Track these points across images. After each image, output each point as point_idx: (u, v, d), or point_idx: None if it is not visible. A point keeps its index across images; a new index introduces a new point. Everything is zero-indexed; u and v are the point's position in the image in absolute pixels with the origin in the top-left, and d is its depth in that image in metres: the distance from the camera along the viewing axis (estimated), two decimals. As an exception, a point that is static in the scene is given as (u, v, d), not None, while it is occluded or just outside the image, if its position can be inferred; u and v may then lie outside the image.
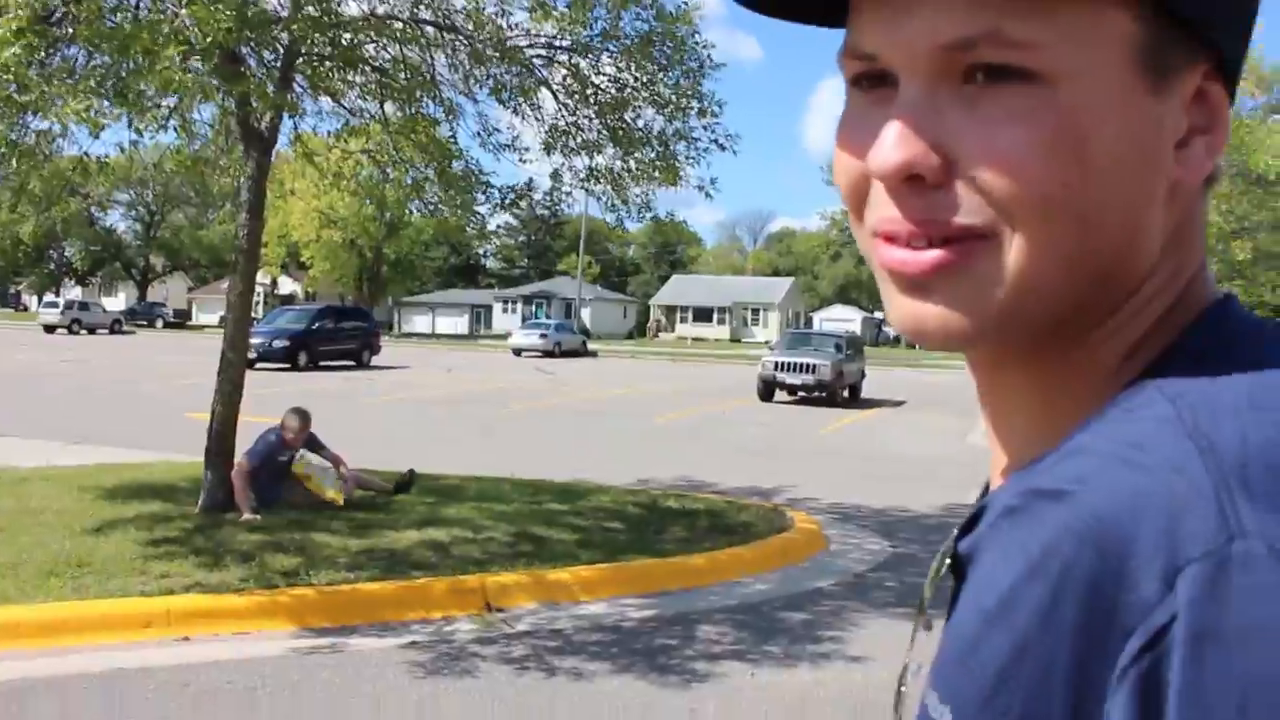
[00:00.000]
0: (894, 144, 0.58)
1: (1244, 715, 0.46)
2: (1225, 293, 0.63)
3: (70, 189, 9.22)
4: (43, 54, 4.91)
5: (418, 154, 7.74)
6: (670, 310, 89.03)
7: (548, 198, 8.54)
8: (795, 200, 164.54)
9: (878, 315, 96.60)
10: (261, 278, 77.29)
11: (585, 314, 72.22)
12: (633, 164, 8.26)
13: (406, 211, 7.49)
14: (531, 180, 8.53)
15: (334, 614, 6.29)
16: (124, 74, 5.35)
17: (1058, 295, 0.59)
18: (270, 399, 21.83)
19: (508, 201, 8.27)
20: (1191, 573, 0.48)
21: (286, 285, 78.53)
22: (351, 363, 34.93)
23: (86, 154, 7.95)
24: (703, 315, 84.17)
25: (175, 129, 7.12)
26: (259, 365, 32.18)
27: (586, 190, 8.76)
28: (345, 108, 8.84)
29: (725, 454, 15.69)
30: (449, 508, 9.03)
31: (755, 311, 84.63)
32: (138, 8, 6.20)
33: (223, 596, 6.26)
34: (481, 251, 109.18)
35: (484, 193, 8.05)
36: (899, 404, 28.53)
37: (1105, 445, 0.55)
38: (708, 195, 8.80)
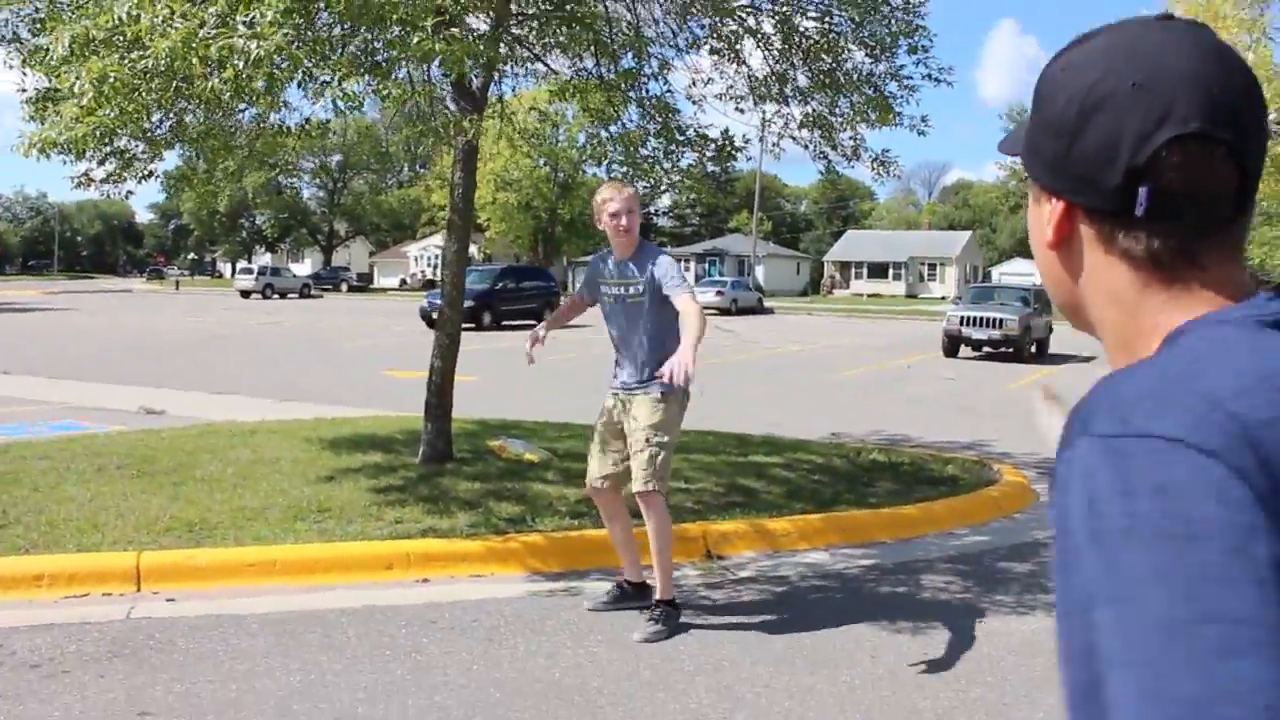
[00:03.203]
0: None
1: (1083, 511, 0.82)
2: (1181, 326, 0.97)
3: (261, 160, 9.56)
4: (306, 33, 5.08)
5: (635, 110, 7.81)
6: (844, 266, 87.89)
7: (756, 148, 8.44)
8: (970, 151, 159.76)
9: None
10: (439, 241, 79.52)
11: (758, 271, 71.88)
12: (847, 106, 8.15)
13: (629, 170, 7.37)
14: (747, 134, 8.41)
15: (564, 558, 6.47)
16: (379, 46, 5.54)
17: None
18: (460, 357, 22.54)
19: (725, 153, 8.24)
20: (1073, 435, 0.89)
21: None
22: (533, 321, 35.59)
23: (307, 120, 8.24)
24: (877, 271, 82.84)
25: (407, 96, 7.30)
26: (445, 325, 33.18)
27: (794, 139, 8.68)
28: (550, 67, 8.95)
29: (914, 408, 15.47)
30: (657, 459, 9.15)
31: (931, 266, 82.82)
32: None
33: (456, 541, 6.50)
34: (653, 209, 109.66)
35: (699, 147, 8.05)
36: (1088, 359, 27.54)
37: (1123, 387, 0.92)
38: (920, 133, 8.63)
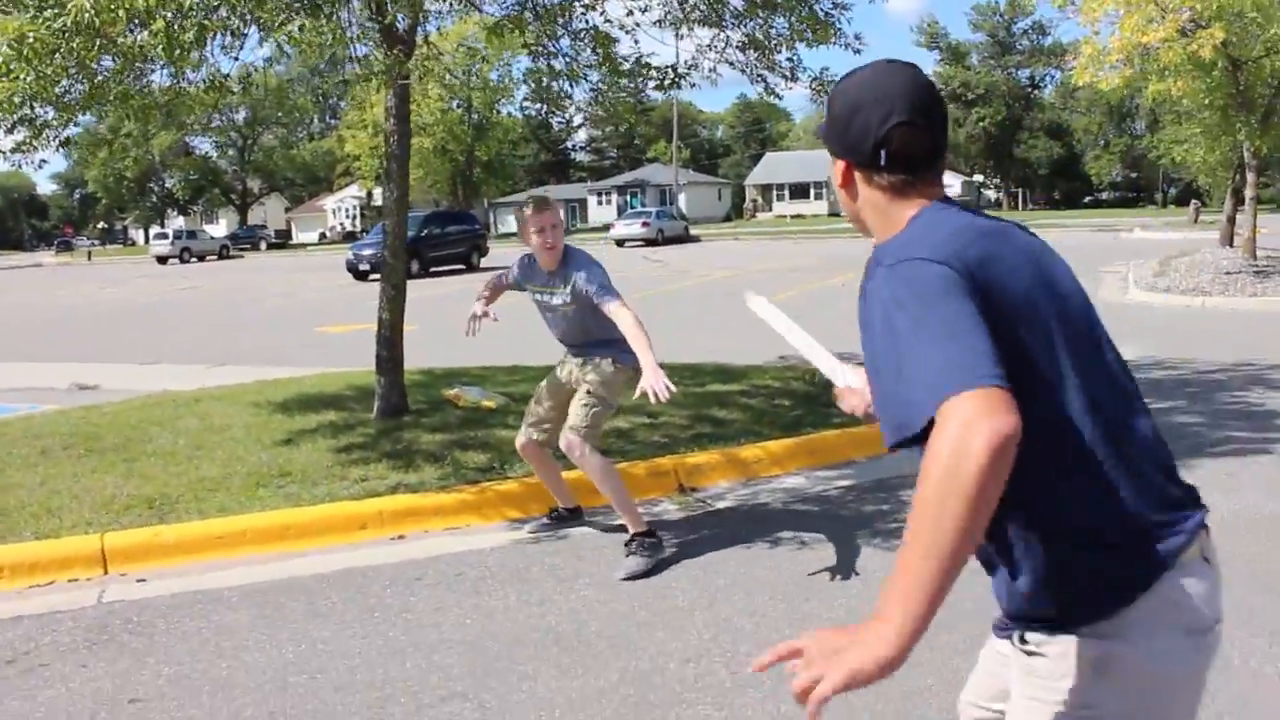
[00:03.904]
0: None
1: (884, 299, 1.72)
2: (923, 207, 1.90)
3: (176, 120, 9.18)
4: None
5: (574, 41, 7.57)
6: (765, 189, 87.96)
7: (691, 76, 8.25)
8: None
9: (977, 178, 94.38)
10: (356, 192, 78.33)
11: (681, 200, 71.62)
12: (785, 26, 7.99)
13: (566, 103, 7.23)
14: (693, 59, 8.22)
15: (540, 504, 6.35)
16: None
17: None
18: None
19: (667, 82, 8.05)
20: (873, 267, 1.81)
21: (381, 197, 79.12)
22: (461, 266, 35.26)
23: (225, 76, 7.89)
24: (799, 192, 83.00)
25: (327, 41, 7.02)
26: (372, 277, 32.68)
27: (730, 64, 8.51)
28: (476, 5, 8.66)
29: (853, 325, 15.27)
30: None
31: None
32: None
33: (428, 495, 6.35)
34: (570, 145, 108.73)
35: (643, 76, 7.84)
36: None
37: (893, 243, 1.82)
38: (856, 51, 8.52)
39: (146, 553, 5.65)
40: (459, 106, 64.27)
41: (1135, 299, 18.87)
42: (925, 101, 1.89)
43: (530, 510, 6.33)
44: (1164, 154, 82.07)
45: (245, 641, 4.56)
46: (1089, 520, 1.73)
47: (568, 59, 7.81)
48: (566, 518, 6.14)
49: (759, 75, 8.48)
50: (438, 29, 9.41)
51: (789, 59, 8.51)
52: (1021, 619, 1.82)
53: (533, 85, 7.61)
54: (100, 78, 6.27)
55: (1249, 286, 18.43)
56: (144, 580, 5.41)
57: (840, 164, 1.97)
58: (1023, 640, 1.81)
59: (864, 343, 1.78)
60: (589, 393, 5.48)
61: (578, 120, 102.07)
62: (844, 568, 5.24)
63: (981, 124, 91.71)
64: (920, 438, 1.59)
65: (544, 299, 5.65)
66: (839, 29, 8.04)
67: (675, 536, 5.80)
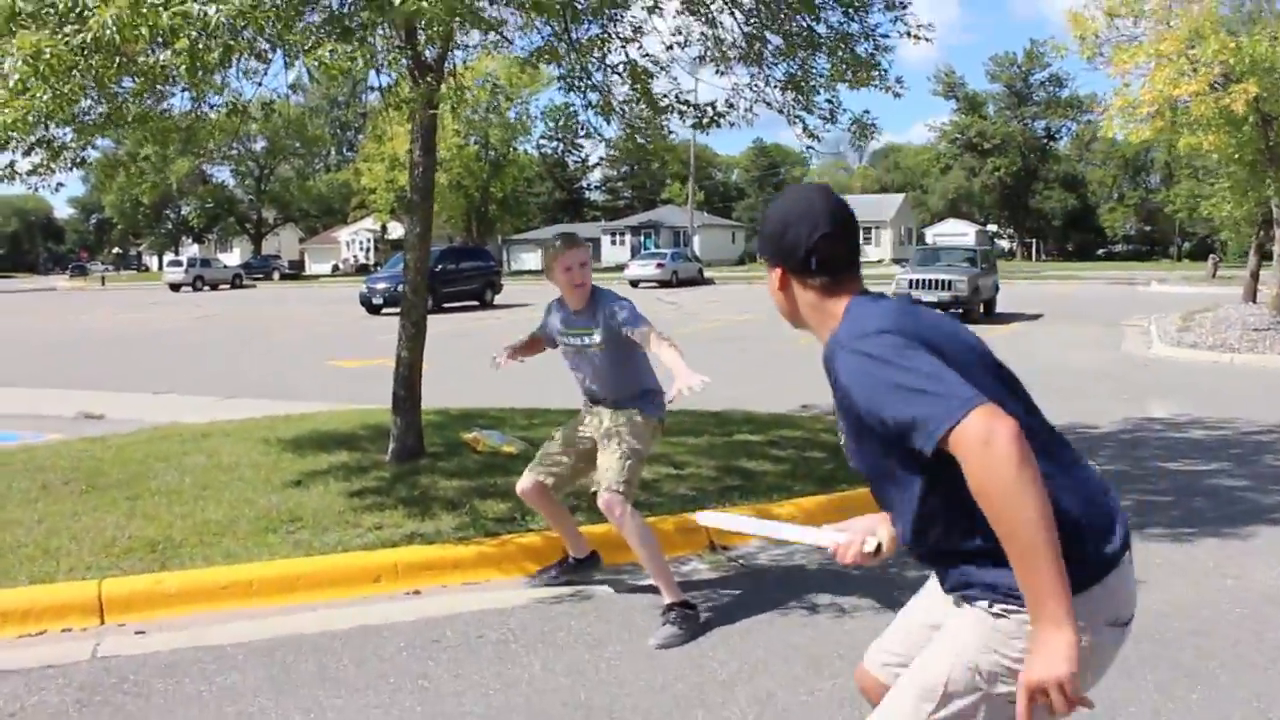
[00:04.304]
0: None
1: (860, 370, 2.14)
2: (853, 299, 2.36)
3: (195, 146, 8.94)
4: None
5: (609, 75, 7.30)
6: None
7: (730, 113, 7.97)
8: (896, 113, 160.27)
9: (991, 228, 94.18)
10: (371, 224, 78.39)
11: (695, 242, 71.52)
12: (826, 66, 7.72)
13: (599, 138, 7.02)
14: (731, 97, 7.96)
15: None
16: (352, 11, 5.00)
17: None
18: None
19: (706, 120, 7.78)
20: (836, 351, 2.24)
21: (396, 230, 79.14)
22: (475, 303, 34.98)
23: (246, 103, 7.64)
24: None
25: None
26: (385, 311, 32.47)
27: (768, 104, 8.24)
28: (504, 36, 8.42)
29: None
30: (639, 443, 8.71)
31: (866, 230, 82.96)
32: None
33: (445, 547, 6.02)
34: (585, 184, 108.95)
35: (682, 113, 7.58)
36: (1036, 317, 27.58)
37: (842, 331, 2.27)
38: (896, 95, 8.25)
39: (147, 602, 5.31)
40: (476, 143, 64.36)
41: (1160, 354, 18.54)
42: (842, 216, 2.36)
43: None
44: (1180, 208, 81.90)
45: (250, 708, 4.21)
46: (1058, 523, 2.02)
47: (601, 93, 7.54)
48: (578, 566, 5.79)
49: (797, 116, 8.21)
50: (464, 62, 9.14)
51: (828, 100, 8.24)
52: (994, 591, 2.19)
53: (554, 123, 7.36)
54: (120, 99, 6.01)
55: (1279, 344, 18.09)
56: (143, 632, 5.07)
57: (777, 271, 2.39)
58: (991, 606, 2.21)
59: (846, 415, 2.28)
60: (621, 442, 5.16)
61: (594, 159, 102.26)
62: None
63: (997, 174, 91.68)
64: (935, 455, 2.04)
65: (574, 342, 5.40)
66: (883, 69, 7.77)
67: (709, 600, 5.45)
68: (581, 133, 8.18)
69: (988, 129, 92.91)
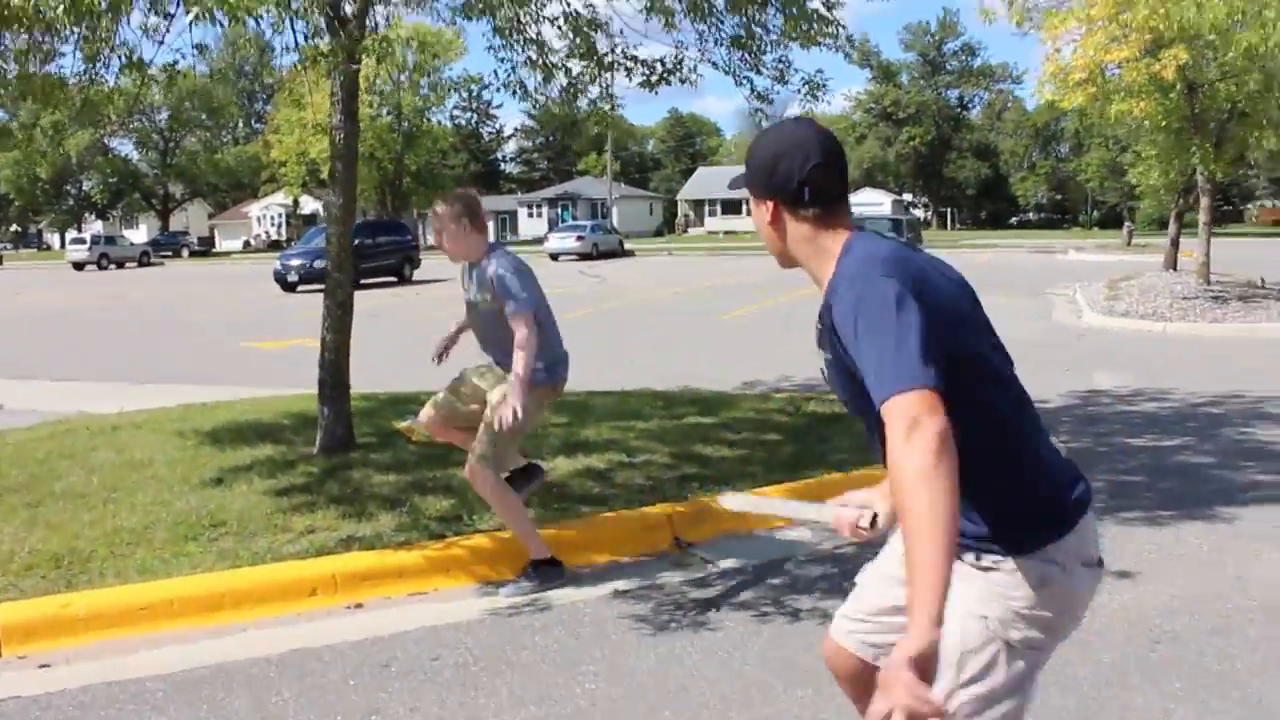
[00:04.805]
0: None
1: (853, 307, 2.14)
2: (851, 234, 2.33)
3: (91, 116, 8.20)
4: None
5: (544, 28, 6.74)
6: (698, 204, 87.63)
7: (679, 73, 7.47)
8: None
9: (906, 197, 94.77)
10: (282, 199, 76.42)
11: (613, 213, 70.91)
12: (779, 22, 7.26)
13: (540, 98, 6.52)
14: (677, 55, 7.45)
15: (516, 562, 5.48)
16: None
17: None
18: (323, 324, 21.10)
19: (655, 78, 7.27)
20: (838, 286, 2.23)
21: (308, 205, 77.31)
22: (393, 278, 34.04)
23: (141, 61, 6.92)
24: (731, 207, 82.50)
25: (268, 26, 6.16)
26: (300, 288, 31.46)
27: (714, 64, 7.74)
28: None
29: (814, 349, 14.80)
30: (586, 428, 8.21)
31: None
32: None
33: (386, 553, 5.46)
34: (500, 156, 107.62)
35: (628, 70, 7.07)
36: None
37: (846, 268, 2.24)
38: (846, 55, 7.87)
39: (51, 629, 4.68)
40: (389, 114, 62.95)
41: (1092, 323, 18.45)
42: (832, 146, 2.36)
43: (504, 572, 5.46)
44: (1091, 177, 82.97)
45: (175, 759, 3.64)
46: (1033, 478, 2.27)
47: (539, 47, 6.97)
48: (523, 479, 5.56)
49: (745, 77, 7.72)
50: (387, 19, 8.50)
51: (778, 60, 7.77)
52: (983, 543, 2.25)
53: (467, 93, 6.86)
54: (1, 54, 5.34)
55: (1209, 312, 18.10)
56: (48, 665, 4.45)
57: (768, 205, 2.37)
58: (979, 559, 2.27)
59: (830, 334, 2.26)
60: (498, 413, 5.06)
61: (509, 130, 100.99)
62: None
63: (911, 143, 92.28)
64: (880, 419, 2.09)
65: (468, 296, 5.40)
66: (839, 24, 7.32)
67: (686, 610, 4.97)
68: (514, 93, 7.58)
69: (902, 98, 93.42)
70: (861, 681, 2.56)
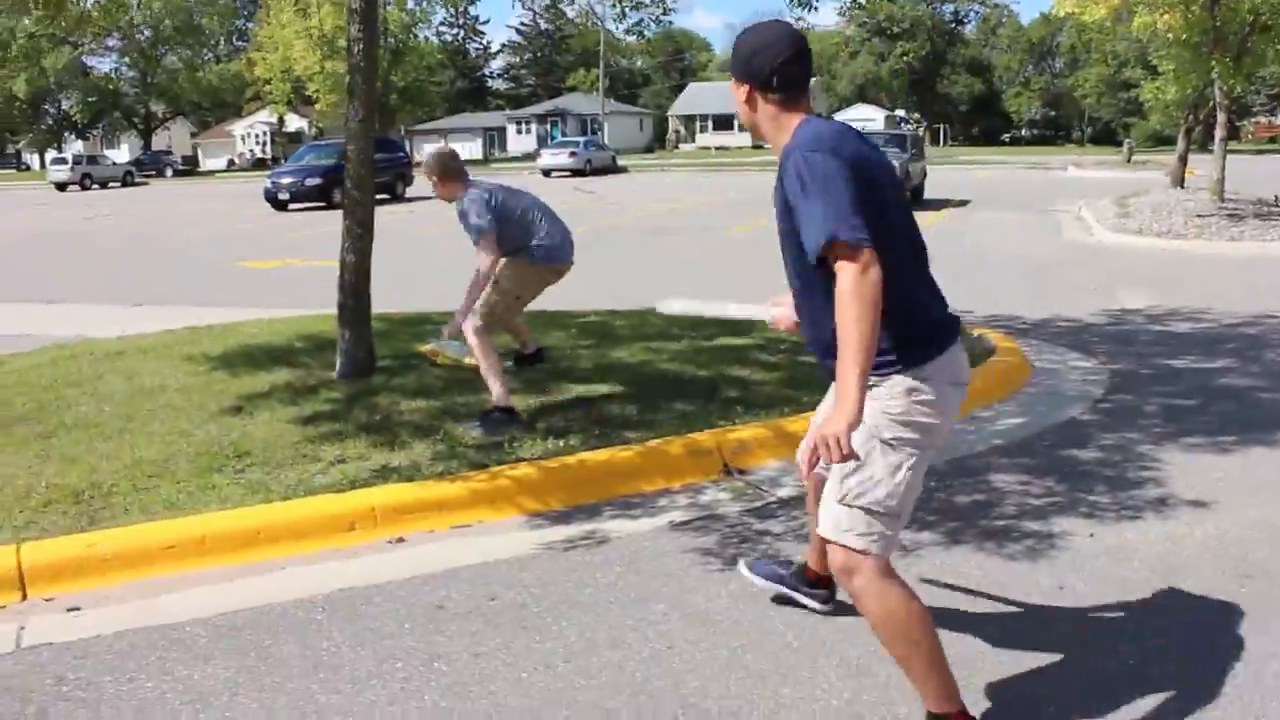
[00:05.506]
0: None
1: (798, 171, 2.73)
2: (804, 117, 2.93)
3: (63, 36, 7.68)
4: None
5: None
6: (689, 120, 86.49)
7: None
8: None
9: (899, 113, 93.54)
10: (268, 116, 75.01)
11: (604, 129, 69.88)
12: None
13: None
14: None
15: (564, 494, 5.21)
16: None
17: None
18: (318, 241, 20.62)
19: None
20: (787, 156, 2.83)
21: (293, 122, 75.98)
22: (386, 195, 33.36)
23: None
24: (723, 123, 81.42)
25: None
26: (292, 206, 30.89)
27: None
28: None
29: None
30: (615, 351, 7.89)
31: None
32: None
33: (428, 484, 5.16)
34: (487, 72, 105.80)
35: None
36: (964, 203, 27.14)
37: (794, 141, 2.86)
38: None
39: (79, 569, 4.36)
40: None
41: (1106, 241, 18.13)
42: (799, 46, 2.94)
43: (551, 503, 5.17)
44: (1089, 92, 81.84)
45: (228, 714, 3.35)
46: (915, 311, 2.88)
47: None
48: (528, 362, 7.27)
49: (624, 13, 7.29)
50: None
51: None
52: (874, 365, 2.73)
53: (454, 9, 6.65)
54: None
55: (1225, 230, 17.78)
56: (77, 609, 4.15)
57: (745, 87, 2.97)
58: (872, 385, 2.80)
59: (782, 197, 2.83)
60: (495, 283, 6.31)
61: (496, 46, 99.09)
62: (956, 578, 4.19)
63: (905, 58, 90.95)
64: (819, 261, 2.68)
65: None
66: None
67: (754, 544, 4.69)
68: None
69: (896, 13, 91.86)
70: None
